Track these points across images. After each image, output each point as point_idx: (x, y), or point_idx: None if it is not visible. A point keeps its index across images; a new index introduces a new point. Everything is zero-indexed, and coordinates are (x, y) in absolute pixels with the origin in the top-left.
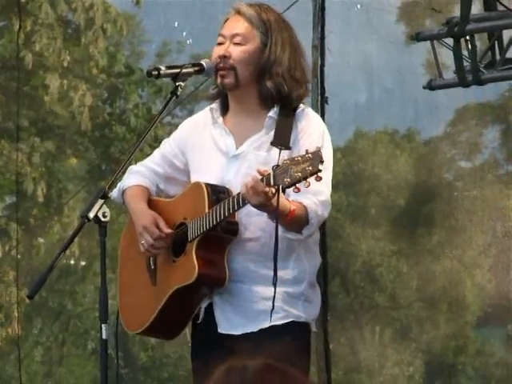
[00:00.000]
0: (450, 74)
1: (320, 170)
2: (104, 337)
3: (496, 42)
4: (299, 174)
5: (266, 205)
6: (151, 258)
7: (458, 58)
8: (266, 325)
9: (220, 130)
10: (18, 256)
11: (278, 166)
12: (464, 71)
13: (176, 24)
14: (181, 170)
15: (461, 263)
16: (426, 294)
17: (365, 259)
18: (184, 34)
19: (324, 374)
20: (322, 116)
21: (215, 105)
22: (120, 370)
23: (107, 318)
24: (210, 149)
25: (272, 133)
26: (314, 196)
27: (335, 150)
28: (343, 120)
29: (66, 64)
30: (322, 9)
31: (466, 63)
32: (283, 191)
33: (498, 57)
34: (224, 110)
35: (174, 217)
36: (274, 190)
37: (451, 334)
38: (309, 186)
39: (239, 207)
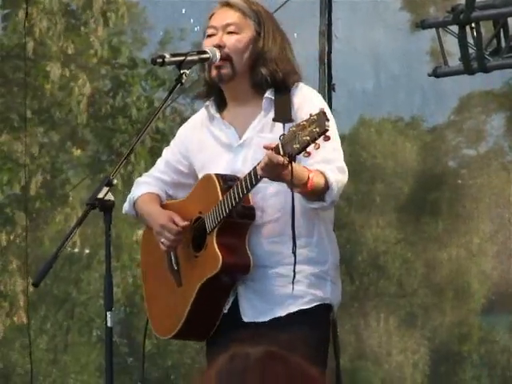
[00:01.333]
0: (455, 62)
1: (327, 130)
2: (109, 324)
3: (501, 30)
4: (307, 138)
5: (283, 175)
6: (173, 260)
7: (463, 45)
8: (293, 309)
9: (219, 125)
10: (23, 244)
11: (284, 134)
12: (469, 59)
13: (184, 11)
14: (186, 174)
15: (466, 251)
16: (432, 282)
17: (370, 247)
18: (192, 20)
19: (333, 361)
20: (329, 103)
21: (210, 102)
22: (126, 358)
23: (112, 305)
24: (212, 145)
25: (271, 113)
26: (329, 163)
27: (342, 137)
28: (350, 107)
29: (67, 53)
30: None
31: (471, 51)
32: (294, 159)
33: (503, 44)
34: (220, 105)
35: (189, 213)
36: (286, 160)
37: (456, 321)
38: (318, 147)
39: (252, 186)
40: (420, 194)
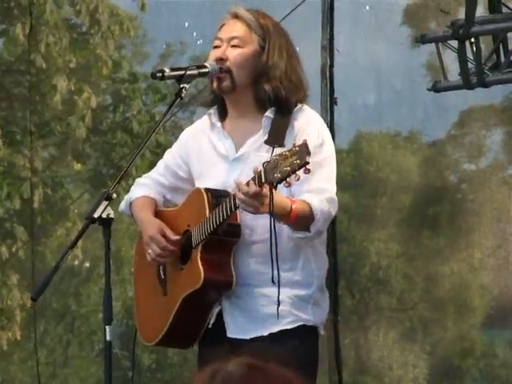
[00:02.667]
0: (454, 76)
1: (308, 163)
2: (108, 338)
3: (501, 45)
4: (288, 168)
5: (261, 206)
6: (161, 268)
7: (462, 60)
8: (276, 329)
9: (218, 134)
10: (23, 258)
11: (268, 162)
12: (469, 73)
13: (186, 24)
14: (185, 180)
15: (467, 265)
16: (433, 296)
17: (371, 261)
18: (194, 34)
19: (335, 376)
20: (331, 117)
21: (213, 110)
22: (127, 372)
23: (111, 319)
24: (210, 155)
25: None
26: (318, 194)
27: (343, 151)
28: (352, 121)
29: (71, 66)
30: (331, 9)
31: (470, 65)
32: (275, 187)
33: (502, 59)
34: (222, 115)
35: (178, 225)
36: (266, 189)
37: (457, 336)
38: (298, 179)
39: (236, 208)
40: (421, 208)
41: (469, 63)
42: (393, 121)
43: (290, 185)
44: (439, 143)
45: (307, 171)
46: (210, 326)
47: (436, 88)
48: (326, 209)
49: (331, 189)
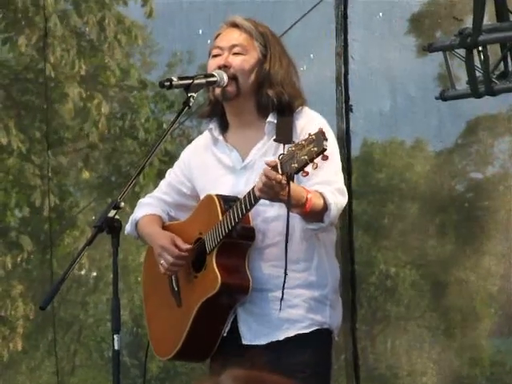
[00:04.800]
0: (464, 85)
1: (325, 149)
2: (116, 347)
3: (508, 53)
4: (305, 157)
5: (280, 194)
6: (173, 280)
7: (470, 68)
8: (292, 333)
9: (222, 147)
10: (29, 267)
11: (283, 154)
12: (476, 82)
13: (200, 32)
14: (188, 196)
15: (474, 273)
16: (440, 305)
17: (377, 269)
18: (208, 41)
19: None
20: (347, 124)
21: (213, 125)
22: (135, 381)
23: (119, 328)
24: (216, 168)
25: (274, 137)
26: (329, 185)
27: (355, 159)
28: (368, 128)
29: (79, 77)
30: (345, 17)
31: (478, 74)
32: (292, 178)
33: (510, 67)
34: (223, 127)
35: (190, 235)
36: (284, 179)
37: (464, 344)
38: (316, 167)
39: (251, 206)
40: (428, 216)
41: (477, 71)
42: (407, 128)
43: (307, 174)
44: (446, 151)
45: (325, 158)
46: (225, 335)
47: (444, 96)
48: (339, 199)
49: (340, 181)
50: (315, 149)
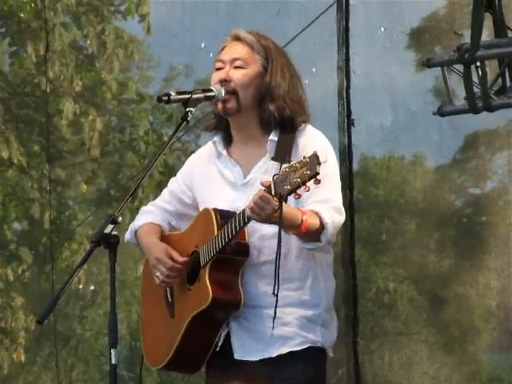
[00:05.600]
0: (462, 100)
1: (318, 173)
2: (113, 362)
3: (506, 69)
4: (298, 180)
5: (272, 216)
6: (168, 291)
7: (468, 84)
8: (284, 351)
9: (225, 162)
10: (27, 280)
11: (277, 174)
12: (474, 97)
13: (203, 45)
14: (190, 206)
15: (472, 289)
16: (437, 320)
17: (376, 285)
18: (211, 55)
19: None
20: (349, 138)
21: (217, 137)
22: None
23: (117, 343)
24: (217, 181)
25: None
26: (326, 203)
27: (354, 173)
28: (370, 142)
29: (77, 89)
30: (347, 31)
31: (476, 89)
32: (285, 199)
33: (508, 83)
34: (227, 141)
35: (186, 247)
36: (277, 201)
37: (463, 360)
38: (309, 190)
39: (244, 224)
40: (427, 231)
41: (474, 87)
42: (410, 143)
43: (299, 196)
44: (445, 166)
45: (317, 182)
46: (217, 349)
47: (441, 112)
48: (334, 218)
49: (338, 199)
50: (308, 172)
